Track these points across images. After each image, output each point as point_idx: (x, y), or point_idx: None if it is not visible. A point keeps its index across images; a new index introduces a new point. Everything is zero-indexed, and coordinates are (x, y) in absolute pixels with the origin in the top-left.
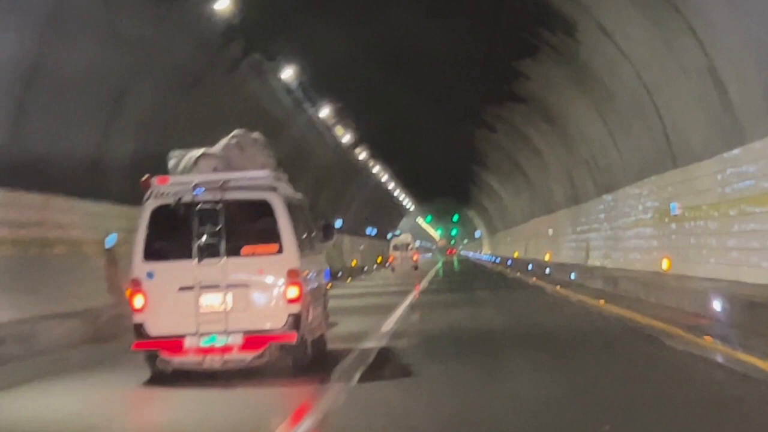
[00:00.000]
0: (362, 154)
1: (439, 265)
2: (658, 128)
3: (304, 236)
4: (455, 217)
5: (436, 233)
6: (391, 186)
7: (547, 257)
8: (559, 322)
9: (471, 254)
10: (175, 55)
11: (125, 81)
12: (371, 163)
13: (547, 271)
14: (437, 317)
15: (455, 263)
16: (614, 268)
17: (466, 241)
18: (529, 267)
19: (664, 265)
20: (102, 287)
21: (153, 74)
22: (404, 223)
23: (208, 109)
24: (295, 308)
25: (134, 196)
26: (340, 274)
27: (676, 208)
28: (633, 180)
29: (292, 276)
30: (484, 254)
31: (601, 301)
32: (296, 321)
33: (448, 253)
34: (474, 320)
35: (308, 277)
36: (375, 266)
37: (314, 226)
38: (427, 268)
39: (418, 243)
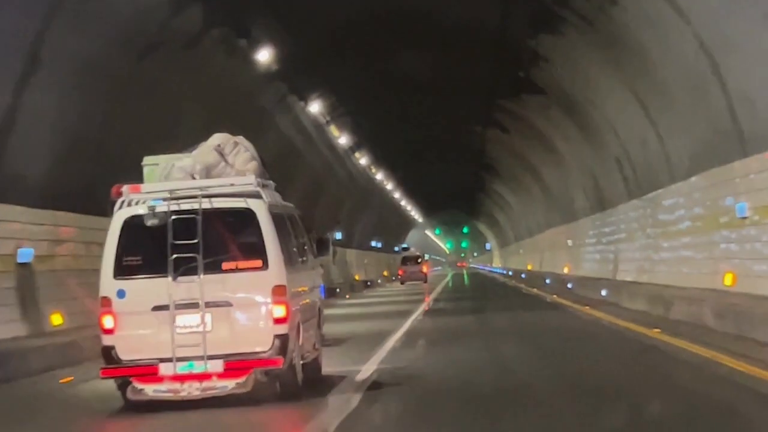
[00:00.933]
0: (363, 159)
1: (449, 277)
2: (720, 105)
3: (294, 249)
4: (465, 229)
5: (445, 246)
6: (396, 194)
7: (565, 270)
8: (617, 369)
9: (481, 267)
10: None
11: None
12: (373, 170)
13: (569, 285)
14: (440, 356)
15: (465, 277)
16: (659, 285)
17: (476, 254)
18: (547, 281)
19: (727, 280)
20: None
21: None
22: (412, 235)
23: None
24: (282, 329)
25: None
26: (338, 290)
27: (745, 209)
28: (681, 176)
29: (278, 294)
30: (494, 267)
31: (656, 331)
32: (283, 344)
33: (458, 265)
34: (492, 363)
35: (298, 294)
36: (379, 280)
37: (307, 238)
38: (436, 282)
39: (427, 256)
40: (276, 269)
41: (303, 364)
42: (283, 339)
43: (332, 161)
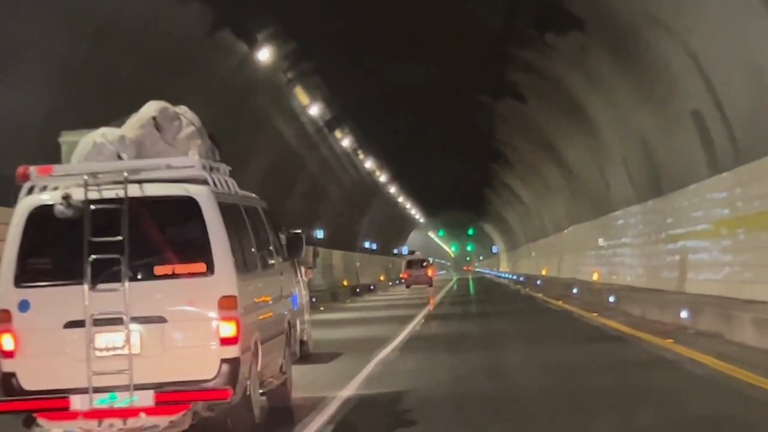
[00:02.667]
0: (346, 140)
1: (453, 282)
2: None
3: (252, 250)
4: (470, 231)
5: (450, 249)
6: (392, 189)
7: (594, 276)
8: None
9: (487, 271)
10: None
11: None
12: (360, 155)
13: (611, 299)
14: None
15: (470, 284)
16: None
17: (482, 257)
18: (574, 291)
19: None
20: None
21: None
22: (413, 237)
23: None
24: (231, 352)
25: None
26: (314, 299)
27: None
28: None
29: (227, 306)
30: (502, 271)
31: None
32: (233, 370)
33: (464, 269)
34: None
35: (255, 306)
36: (372, 286)
37: (274, 237)
38: (439, 287)
39: (430, 260)
40: (224, 275)
41: (266, 393)
42: (232, 364)
43: (311, 138)
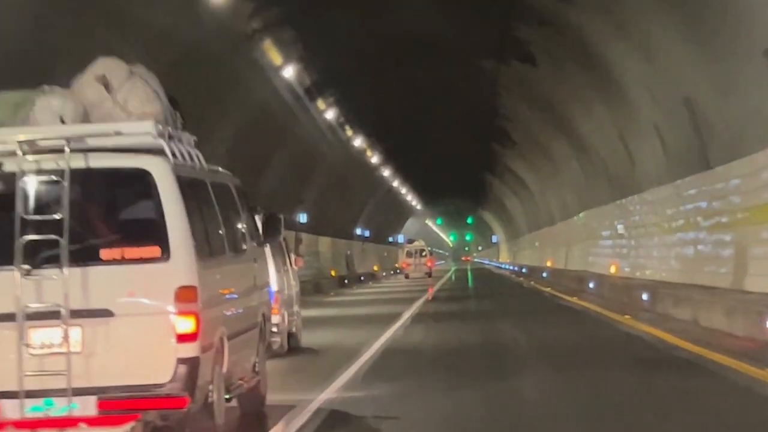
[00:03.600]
0: (331, 114)
1: (451, 273)
2: None
3: (219, 232)
4: (469, 220)
5: (449, 239)
6: (386, 172)
7: (612, 269)
8: None
9: (487, 262)
10: None
11: None
12: (348, 131)
13: (645, 297)
14: None
15: (469, 276)
16: None
17: (481, 247)
18: (591, 285)
19: None
20: None
21: None
22: (410, 225)
23: None
24: (189, 350)
25: None
26: None
27: None
28: None
29: (185, 298)
30: (502, 262)
31: None
32: (191, 372)
33: (463, 259)
34: None
35: (220, 298)
36: (363, 277)
37: (248, 219)
38: (437, 277)
39: (430, 250)
40: (182, 261)
41: (236, 397)
42: (191, 365)
43: (288, 107)
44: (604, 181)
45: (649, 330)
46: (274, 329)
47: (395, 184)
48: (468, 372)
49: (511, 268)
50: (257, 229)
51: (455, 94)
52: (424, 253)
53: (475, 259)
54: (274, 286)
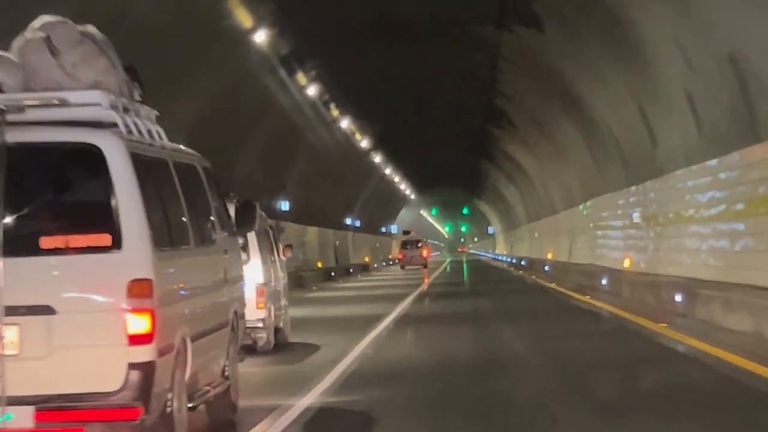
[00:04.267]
0: (313, 90)
1: (446, 264)
2: None
3: (182, 219)
4: (465, 210)
5: (444, 230)
6: (377, 158)
7: (626, 263)
8: None
9: (483, 253)
10: None
11: None
12: (333, 109)
13: (678, 299)
14: None
15: (465, 268)
16: None
17: (476, 239)
18: (603, 282)
19: None
20: None
21: None
22: (404, 215)
23: None
24: (144, 354)
25: None
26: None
27: None
28: None
29: (139, 293)
30: (498, 254)
31: None
32: (145, 379)
33: (459, 251)
34: None
35: (181, 293)
36: (351, 269)
37: (219, 204)
38: (431, 268)
39: (425, 240)
40: (136, 251)
41: (203, 404)
42: (145, 371)
43: (259, 79)
44: (617, 164)
45: (703, 347)
46: (260, 324)
47: (387, 171)
48: (463, 424)
49: (509, 260)
50: (229, 218)
51: (450, 69)
52: (419, 244)
53: (471, 251)
54: (259, 278)
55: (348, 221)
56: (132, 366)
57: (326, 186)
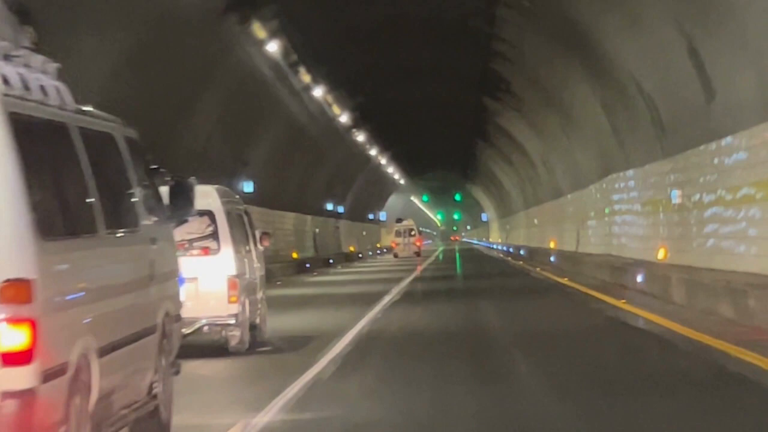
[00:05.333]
0: (274, 45)
1: (439, 252)
2: None
3: (88, 201)
4: (457, 197)
5: (436, 217)
6: (360, 137)
7: (660, 255)
8: None
9: (476, 242)
10: None
11: None
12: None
13: None
14: None
15: (457, 259)
16: None
17: (469, 226)
18: (639, 279)
19: None
20: None
21: None
22: (394, 202)
23: None
24: (20, 379)
25: None
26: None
27: None
28: None
29: (13, 297)
30: (493, 242)
31: None
32: (25, 412)
33: (452, 239)
34: None
35: (83, 297)
36: (331, 260)
37: (144, 185)
38: (423, 257)
39: (418, 229)
40: (9, 242)
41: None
42: (24, 401)
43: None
44: (647, 131)
45: None
46: (232, 321)
47: (373, 153)
48: None
49: (504, 248)
50: (161, 200)
51: (440, 23)
52: (413, 233)
53: (464, 239)
54: (231, 269)
55: (329, 206)
56: (5, 396)
57: (301, 166)
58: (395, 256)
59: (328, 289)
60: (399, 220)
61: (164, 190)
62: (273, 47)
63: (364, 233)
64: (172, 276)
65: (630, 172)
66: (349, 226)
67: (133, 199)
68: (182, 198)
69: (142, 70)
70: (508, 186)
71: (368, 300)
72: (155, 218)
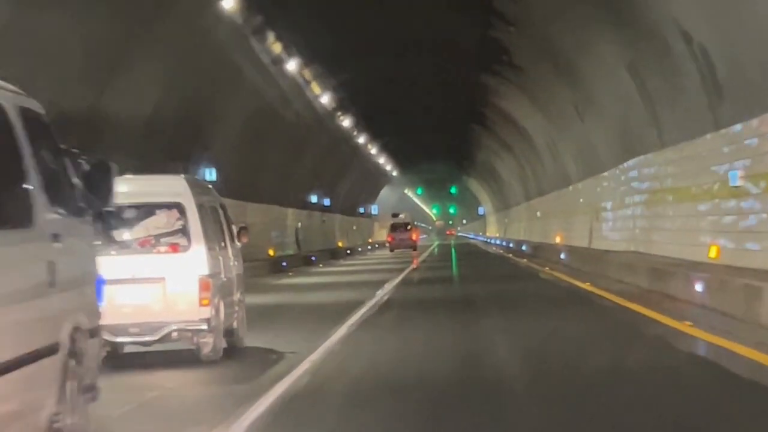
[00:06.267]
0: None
1: (434, 246)
2: None
3: None
4: (453, 190)
5: (431, 211)
6: (345, 122)
7: (713, 253)
8: None
9: (472, 236)
10: None
11: None
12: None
13: None
14: None
15: (453, 258)
16: None
17: (465, 221)
18: (698, 288)
19: None
20: None
21: None
22: (386, 194)
23: None
24: None
25: None
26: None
27: None
28: None
29: None
30: (490, 237)
31: None
32: None
33: (447, 234)
34: None
35: None
36: (313, 257)
37: (50, 168)
38: (412, 256)
39: (414, 223)
40: None
41: None
42: None
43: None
44: (697, 98)
45: None
46: (204, 326)
47: (362, 141)
48: None
49: (503, 243)
50: (73, 188)
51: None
52: (409, 227)
53: (460, 233)
54: (203, 268)
55: (314, 199)
56: None
57: (279, 153)
58: (391, 250)
59: (293, 297)
60: (395, 215)
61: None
62: (229, 2)
63: (355, 228)
64: (86, 281)
65: (668, 151)
66: (337, 219)
67: (26, 187)
68: (100, 184)
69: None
70: (507, 176)
71: (337, 314)
72: (61, 210)
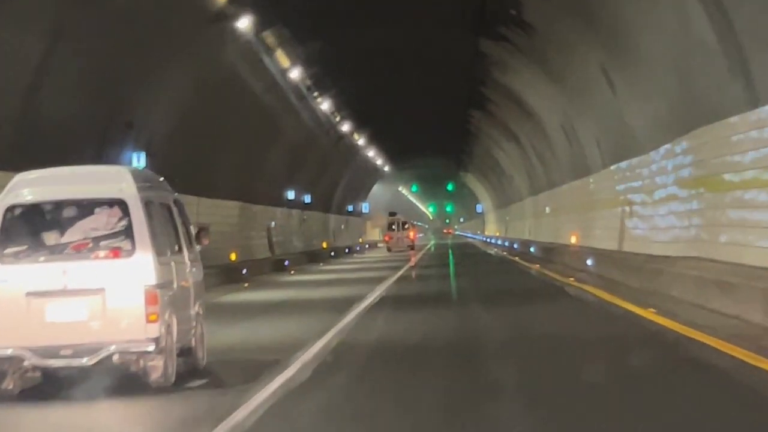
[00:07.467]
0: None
1: (431, 245)
2: None
3: None
4: (449, 186)
5: (428, 210)
6: (324, 104)
7: None
8: None
9: (470, 235)
10: None
11: None
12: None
13: None
14: None
15: (451, 265)
16: None
17: (462, 219)
18: None
19: None
20: None
21: None
22: (378, 191)
23: None
24: None
25: None
26: None
27: None
28: None
29: None
30: (489, 236)
31: None
32: None
33: (445, 232)
34: None
35: None
36: (287, 262)
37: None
38: (396, 267)
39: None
40: None
41: None
42: None
43: None
44: None
45: None
46: (150, 347)
47: (345, 128)
48: None
49: (506, 244)
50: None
51: None
52: (406, 226)
53: (457, 232)
54: (150, 277)
55: (290, 195)
56: None
57: (244, 140)
58: (389, 250)
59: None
60: (392, 214)
61: None
62: None
63: (342, 227)
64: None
65: (749, 115)
66: (321, 218)
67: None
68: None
69: None
70: (510, 168)
71: (274, 357)
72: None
